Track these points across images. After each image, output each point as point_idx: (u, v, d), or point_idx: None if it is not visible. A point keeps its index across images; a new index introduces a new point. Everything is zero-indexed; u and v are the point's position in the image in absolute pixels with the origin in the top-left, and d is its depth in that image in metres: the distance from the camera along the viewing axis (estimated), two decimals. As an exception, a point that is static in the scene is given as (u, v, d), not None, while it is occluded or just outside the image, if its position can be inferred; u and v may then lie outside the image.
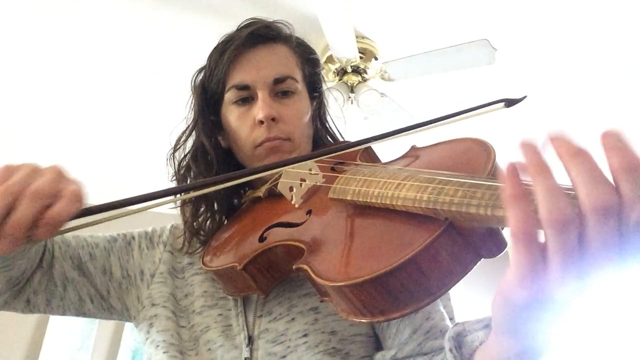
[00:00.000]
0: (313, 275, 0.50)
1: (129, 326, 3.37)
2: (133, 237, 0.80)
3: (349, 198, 0.55)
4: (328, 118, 0.86)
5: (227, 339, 0.66)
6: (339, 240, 0.53)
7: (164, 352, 0.67)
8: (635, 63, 2.19)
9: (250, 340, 0.65)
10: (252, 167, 0.75)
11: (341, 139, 0.86)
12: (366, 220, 0.53)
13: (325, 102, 0.87)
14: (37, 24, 2.06)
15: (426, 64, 2.05)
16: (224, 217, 0.80)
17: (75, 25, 2.07)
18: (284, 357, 0.62)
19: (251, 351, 0.64)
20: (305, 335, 0.63)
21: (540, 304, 0.32)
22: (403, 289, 0.43)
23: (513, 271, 0.32)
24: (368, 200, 0.52)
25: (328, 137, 0.85)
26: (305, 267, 0.52)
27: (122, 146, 3.02)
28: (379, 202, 0.50)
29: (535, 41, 2.10)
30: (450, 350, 0.46)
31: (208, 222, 0.78)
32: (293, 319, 0.65)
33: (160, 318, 0.71)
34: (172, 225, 0.85)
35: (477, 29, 2.02)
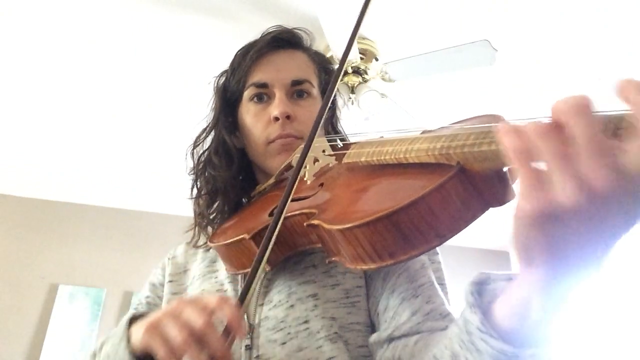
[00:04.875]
0: (325, 225, 0.51)
1: (129, 327, 3.37)
2: (148, 296, 0.84)
3: (363, 159, 0.58)
4: (340, 126, 0.90)
5: None
6: (350, 195, 0.55)
7: None
8: (634, 63, 2.19)
9: (251, 328, 0.66)
10: (264, 164, 0.79)
11: None
12: (379, 176, 0.55)
13: (339, 112, 0.90)
14: (41, 25, 2.06)
15: (427, 65, 2.05)
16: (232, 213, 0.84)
17: (78, 26, 2.08)
18: (283, 343, 0.63)
19: (252, 339, 0.65)
20: (306, 322, 0.64)
21: (548, 219, 0.32)
22: (414, 228, 0.44)
23: (519, 189, 0.33)
24: (382, 158, 0.54)
25: (339, 142, 0.87)
26: (315, 221, 0.54)
27: (130, 147, 3.02)
28: (392, 157, 0.52)
29: (536, 41, 2.10)
30: (472, 293, 0.45)
31: (218, 216, 0.81)
32: (292, 305, 0.65)
33: None
34: (168, 257, 0.88)
35: (478, 29, 2.02)
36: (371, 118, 2.30)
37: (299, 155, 0.64)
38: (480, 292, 0.46)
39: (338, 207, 0.54)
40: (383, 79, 2.20)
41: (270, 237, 0.52)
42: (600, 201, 0.30)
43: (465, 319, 0.45)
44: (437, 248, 0.70)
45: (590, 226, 0.31)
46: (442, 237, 0.45)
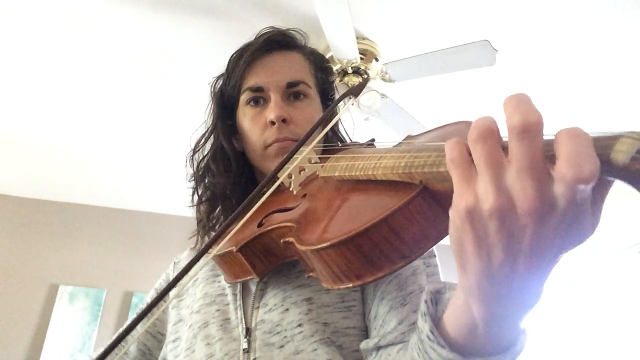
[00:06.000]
0: (297, 244, 0.52)
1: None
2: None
3: (337, 174, 0.58)
4: (341, 129, 0.89)
5: (226, 332, 0.68)
6: (324, 213, 0.55)
7: None
8: (634, 63, 2.19)
9: (248, 331, 0.66)
10: (263, 167, 0.79)
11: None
12: (351, 193, 0.55)
13: (338, 110, 0.89)
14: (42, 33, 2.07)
15: (427, 65, 2.05)
16: None
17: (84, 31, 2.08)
18: (281, 347, 0.63)
19: (249, 342, 0.65)
20: (299, 325, 0.64)
21: (477, 217, 0.32)
22: (377, 250, 0.44)
23: (454, 190, 0.34)
24: (353, 174, 0.54)
25: (339, 143, 0.87)
26: (290, 239, 0.55)
27: (130, 147, 3.02)
28: (362, 173, 0.52)
29: (536, 42, 2.10)
30: (426, 302, 0.46)
31: (221, 221, 0.81)
32: (287, 309, 0.65)
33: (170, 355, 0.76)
34: (174, 262, 0.89)
35: (478, 29, 2.02)
36: (371, 118, 2.30)
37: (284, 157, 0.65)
38: (437, 300, 0.47)
39: (311, 225, 0.54)
40: (383, 80, 2.20)
41: (216, 239, 0.52)
42: (527, 220, 0.30)
43: (418, 327, 0.46)
44: (435, 250, 0.70)
45: (519, 240, 0.31)
46: (407, 258, 0.44)
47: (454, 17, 1.99)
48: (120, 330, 0.51)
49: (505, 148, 0.32)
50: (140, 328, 0.79)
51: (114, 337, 0.46)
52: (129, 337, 0.78)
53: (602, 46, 2.10)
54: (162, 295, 0.44)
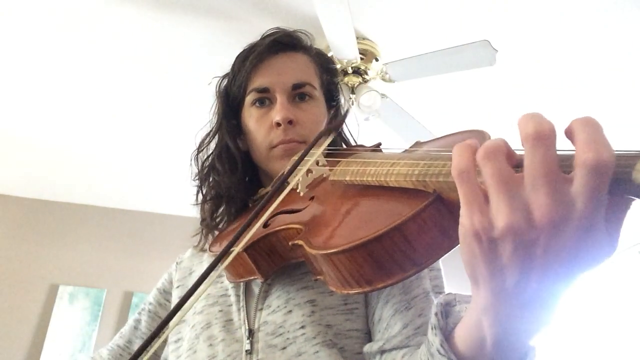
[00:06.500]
0: (306, 247, 0.52)
1: (129, 327, 3.37)
2: (151, 303, 0.86)
3: (348, 179, 0.58)
4: (345, 129, 0.88)
5: (228, 333, 0.68)
6: (334, 217, 0.55)
7: None
8: (634, 63, 2.19)
9: (251, 333, 0.66)
10: (268, 167, 0.79)
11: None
12: (362, 198, 0.55)
13: (342, 111, 0.90)
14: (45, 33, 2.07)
15: (427, 65, 2.05)
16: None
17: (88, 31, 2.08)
18: (284, 348, 0.63)
19: (252, 344, 0.65)
20: (302, 327, 0.64)
21: (487, 240, 0.32)
22: (389, 257, 0.44)
23: (461, 209, 0.33)
24: (365, 179, 0.53)
25: (343, 144, 0.87)
26: (300, 242, 0.54)
27: (130, 147, 3.02)
28: (374, 179, 0.51)
29: (536, 41, 2.10)
30: (436, 314, 0.46)
31: (224, 220, 0.82)
32: (290, 311, 0.66)
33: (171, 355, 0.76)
34: (177, 262, 0.89)
35: (478, 29, 2.02)
36: (371, 118, 2.30)
37: (290, 166, 0.65)
38: (447, 313, 0.47)
39: (321, 228, 0.54)
40: (383, 80, 2.20)
41: (228, 249, 0.52)
42: (541, 232, 0.30)
43: (428, 340, 0.46)
44: None
45: (532, 257, 0.31)
46: (419, 266, 0.44)
47: (454, 17, 1.99)
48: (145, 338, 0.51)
49: (515, 167, 0.32)
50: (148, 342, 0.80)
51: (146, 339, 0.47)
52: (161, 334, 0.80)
53: (602, 46, 2.10)
54: (177, 308, 0.45)
